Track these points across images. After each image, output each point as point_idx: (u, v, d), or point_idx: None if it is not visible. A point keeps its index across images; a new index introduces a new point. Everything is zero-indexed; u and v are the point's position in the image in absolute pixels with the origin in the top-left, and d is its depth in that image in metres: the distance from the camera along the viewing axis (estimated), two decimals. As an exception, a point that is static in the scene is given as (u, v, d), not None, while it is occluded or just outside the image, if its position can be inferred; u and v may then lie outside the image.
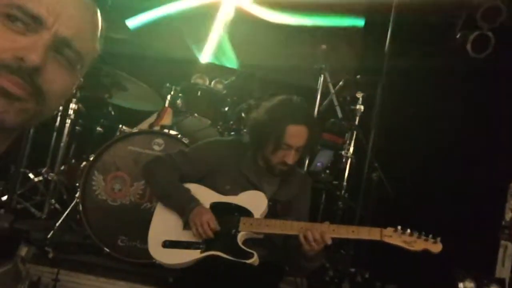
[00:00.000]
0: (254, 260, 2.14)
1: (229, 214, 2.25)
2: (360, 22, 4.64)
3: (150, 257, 2.26)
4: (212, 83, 3.74)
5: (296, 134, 2.28)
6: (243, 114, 3.56)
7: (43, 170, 3.63)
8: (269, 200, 2.32)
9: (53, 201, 3.45)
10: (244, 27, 4.86)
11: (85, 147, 3.65)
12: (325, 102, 3.83)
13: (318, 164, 3.78)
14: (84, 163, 3.31)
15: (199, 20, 4.78)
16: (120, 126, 3.34)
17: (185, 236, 2.24)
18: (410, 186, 4.07)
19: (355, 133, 3.71)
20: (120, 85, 3.42)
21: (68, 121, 3.54)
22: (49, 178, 3.53)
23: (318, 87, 3.69)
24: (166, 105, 3.49)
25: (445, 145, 4.12)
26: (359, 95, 3.67)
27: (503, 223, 3.83)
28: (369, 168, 3.40)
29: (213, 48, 4.83)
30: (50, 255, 2.65)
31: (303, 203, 2.49)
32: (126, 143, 3.06)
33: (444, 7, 4.09)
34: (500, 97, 3.99)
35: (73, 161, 3.68)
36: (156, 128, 3.29)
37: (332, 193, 3.73)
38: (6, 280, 2.11)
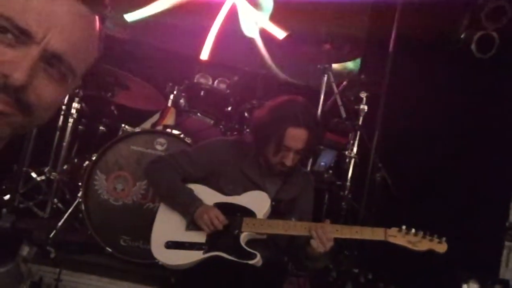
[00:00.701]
0: (257, 260, 2.13)
1: (232, 215, 2.24)
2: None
3: (152, 257, 2.26)
4: (215, 82, 3.73)
5: (296, 137, 2.27)
6: (246, 114, 3.55)
7: (46, 169, 3.62)
8: (272, 200, 2.31)
9: (55, 200, 3.44)
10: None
11: (88, 146, 3.64)
12: (329, 102, 3.81)
13: (322, 164, 3.76)
14: (87, 162, 3.30)
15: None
16: (123, 125, 3.33)
17: (188, 237, 2.23)
18: (414, 186, 4.05)
19: (358, 133, 3.68)
20: (123, 85, 3.40)
21: (71, 120, 3.52)
22: (52, 177, 3.52)
23: (321, 87, 3.67)
24: (169, 104, 3.48)
25: (449, 145, 4.10)
26: (363, 95, 3.65)
27: (507, 224, 3.82)
28: (373, 168, 3.38)
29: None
30: (52, 255, 2.64)
31: (306, 201, 2.49)
32: (129, 142, 3.05)
33: (448, 7, 4.07)
34: (505, 98, 3.97)
35: (75, 160, 3.66)
36: (159, 127, 3.28)
37: (335, 194, 3.71)
38: (8, 280, 2.11)
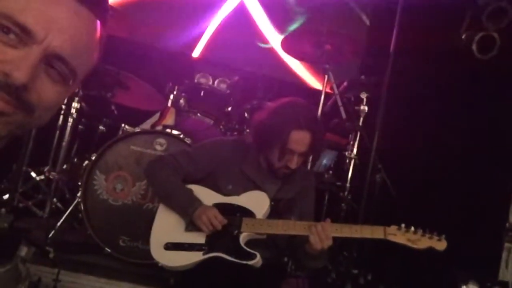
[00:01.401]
0: (257, 261, 2.13)
1: (231, 215, 2.23)
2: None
3: (151, 257, 2.25)
4: (216, 82, 3.72)
5: (300, 139, 2.27)
6: (246, 114, 3.54)
7: (45, 169, 3.62)
8: (272, 199, 2.31)
9: (55, 200, 3.43)
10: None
11: (87, 146, 3.64)
12: (329, 103, 3.81)
13: (322, 164, 3.76)
14: (86, 162, 3.30)
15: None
16: (123, 125, 3.33)
17: (187, 237, 2.22)
18: (413, 187, 4.04)
19: (359, 134, 3.68)
20: (123, 84, 3.40)
21: (71, 120, 3.52)
22: (51, 177, 3.52)
23: (322, 87, 3.67)
24: (169, 104, 3.48)
25: (449, 147, 4.09)
26: (363, 95, 3.64)
27: (507, 225, 3.81)
28: (373, 169, 3.37)
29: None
30: (51, 255, 2.63)
31: (306, 200, 2.49)
32: (128, 142, 3.05)
33: (449, 8, 4.06)
34: (506, 99, 3.96)
35: (75, 160, 3.66)
36: (159, 127, 3.28)
37: (335, 194, 3.71)
38: (6, 280, 2.10)
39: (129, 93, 3.49)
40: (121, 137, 3.09)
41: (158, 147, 3.04)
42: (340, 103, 3.77)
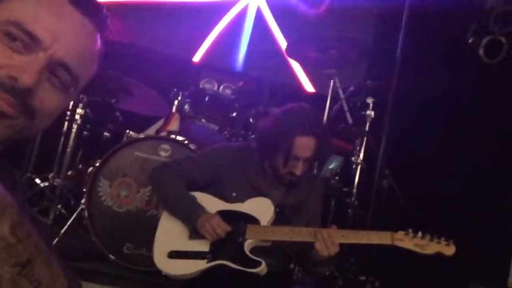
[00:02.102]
0: (262, 268, 2.10)
1: (235, 222, 2.20)
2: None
3: (155, 265, 2.22)
4: (221, 88, 3.70)
5: (304, 145, 2.25)
6: (251, 120, 3.52)
7: (50, 176, 3.61)
8: (277, 206, 2.28)
9: (59, 206, 3.42)
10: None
11: (92, 152, 3.63)
12: (335, 108, 3.78)
13: (328, 169, 3.73)
14: (91, 168, 3.29)
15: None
16: (127, 131, 3.32)
17: (191, 245, 2.20)
18: (421, 193, 4.00)
19: (365, 139, 3.64)
20: (127, 90, 3.39)
21: (75, 126, 3.51)
22: (56, 183, 3.51)
23: (328, 92, 3.64)
24: (173, 110, 3.47)
25: (457, 151, 4.06)
26: (370, 100, 3.61)
27: (517, 230, 3.76)
28: (380, 175, 3.34)
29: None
30: (55, 262, 2.61)
31: (313, 205, 2.45)
32: (133, 148, 3.03)
33: (456, 12, 4.04)
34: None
35: (80, 166, 3.65)
36: (163, 133, 3.26)
37: (341, 200, 3.67)
38: None
39: (134, 99, 3.49)
40: (126, 143, 3.07)
41: (163, 153, 3.02)
42: (346, 108, 3.74)
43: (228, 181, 2.34)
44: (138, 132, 3.33)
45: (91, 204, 2.95)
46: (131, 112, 3.82)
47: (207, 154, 2.47)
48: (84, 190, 3.04)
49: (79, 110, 3.50)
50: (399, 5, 3.55)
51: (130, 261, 2.86)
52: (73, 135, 3.50)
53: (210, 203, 2.28)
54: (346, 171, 3.73)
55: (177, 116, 3.38)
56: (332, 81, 3.61)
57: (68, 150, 3.50)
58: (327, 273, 3.33)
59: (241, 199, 2.29)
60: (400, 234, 2.08)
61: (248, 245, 2.17)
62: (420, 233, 2.07)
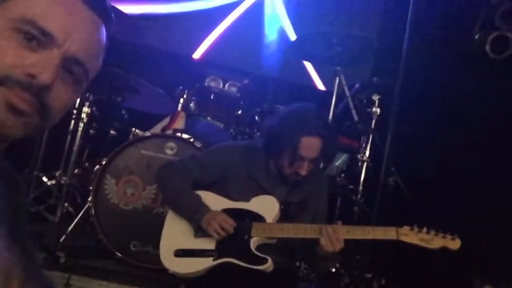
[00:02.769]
0: (268, 265, 2.11)
1: (241, 220, 2.21)
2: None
3: (162, 263, 2.23)
4: (226, 86, 3.71)
5: (310, 146, 2.25)
6: (256, 118, 3.52)
7: (57, 174, 3.63)
8: (282, 203, 2.29)
9: (66, 204, 3.43)
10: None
11: (98, 150, 3.64)
12: (341, 105, 3.77)
13: (334, 167, 3.72)
14: (97, 166, 3.30)
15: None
16: (133, 129, 3.33)
17: (197, 244, 2.20)
18: (427, 190, 3.99)
19: (371, 136, 3.63)
20: (133, 89, 3.40)
21: (82, 124, 3.52)
22: (62, 181, 3.52)
23: (333, 89, 3.63)
24: (179, 108, 3.47)
25: (463, 149, 4.03)
26: (376, 97, 3.60)
27: (524, 228, 3.74)
28: (386, 172, 3.32)
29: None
30: (62, 260, 2.63)
31: (318, 201, 2.46)
32: (139, 147, 3.04)
33: (462, 8, 4.02)
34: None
35: (86, 164, 3.67)
36: (169, 131, 3.26)
37: (347, 198, 3.67)
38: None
39: (140, 97, 3.49)
40: (132, 141, 3.09)
41: (169, 151, 3.03)
42: (352, 105, 3.73)
43: (233, 180, 2.34)
44: (144, 130, 3.34)
45: (97, 202, 2.97)
46: (137, 110, 3.83)
47: (212, 153, 2.48)
48: (91, 188, 3.06)
49: (85, 109, 3.50)
50: (405, 2, 3.54)
51: (137, 259, 2.88)
52: (79, 133, 3.51)
53: (215, 201, 2.28)
54: (352, 168, 3.72)
55: (182, 114, 3.39)
56: (337, 78, 3.60)
57: (75, 148, 3.51)
58: (333, 270, 3.33)
59: (246, 197, 2.29)
60: (406, 229, 2.09)
61: (254, 242, 2.17)
62: (425, 229, 2.08)
